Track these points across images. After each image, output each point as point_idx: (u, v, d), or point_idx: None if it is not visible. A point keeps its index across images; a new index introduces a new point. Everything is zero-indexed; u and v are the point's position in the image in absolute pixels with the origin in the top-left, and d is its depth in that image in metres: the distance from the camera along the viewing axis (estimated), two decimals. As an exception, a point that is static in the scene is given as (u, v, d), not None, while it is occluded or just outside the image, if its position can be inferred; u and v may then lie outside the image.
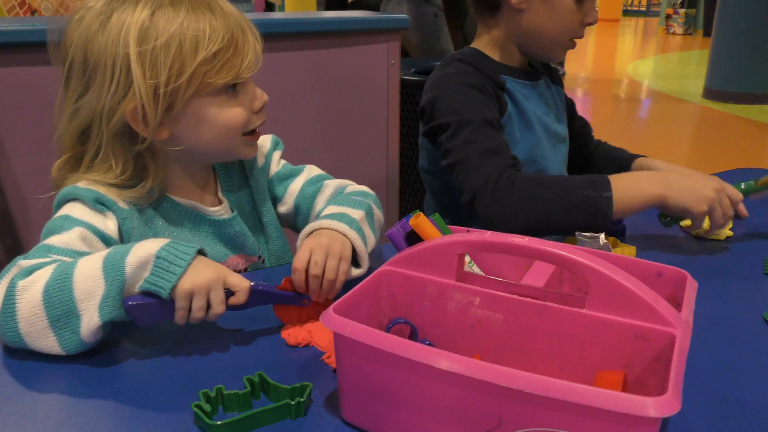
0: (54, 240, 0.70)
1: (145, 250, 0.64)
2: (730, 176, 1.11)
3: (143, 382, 0.62)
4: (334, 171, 1.01)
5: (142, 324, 0.65)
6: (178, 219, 0.82)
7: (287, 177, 0.94)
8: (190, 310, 0.65)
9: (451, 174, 1.01)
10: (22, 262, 0.66)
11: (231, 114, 0.77)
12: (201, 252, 0.67)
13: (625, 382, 0.53)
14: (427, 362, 0.47)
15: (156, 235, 0.79)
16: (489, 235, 0.58)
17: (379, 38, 1.86)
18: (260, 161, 0.93)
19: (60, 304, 0.62)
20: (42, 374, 0.63)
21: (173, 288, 0.63)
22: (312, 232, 0.78)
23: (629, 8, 18.31)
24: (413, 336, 0.61)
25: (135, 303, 0.63)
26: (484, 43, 1.15)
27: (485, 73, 1.09)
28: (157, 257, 0.63)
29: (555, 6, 1.06)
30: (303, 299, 0.71)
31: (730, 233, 1.01)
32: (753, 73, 5.55)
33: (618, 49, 10.94)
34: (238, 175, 0.90)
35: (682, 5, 12.74)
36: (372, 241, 0.82)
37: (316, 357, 0.65)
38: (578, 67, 8.12)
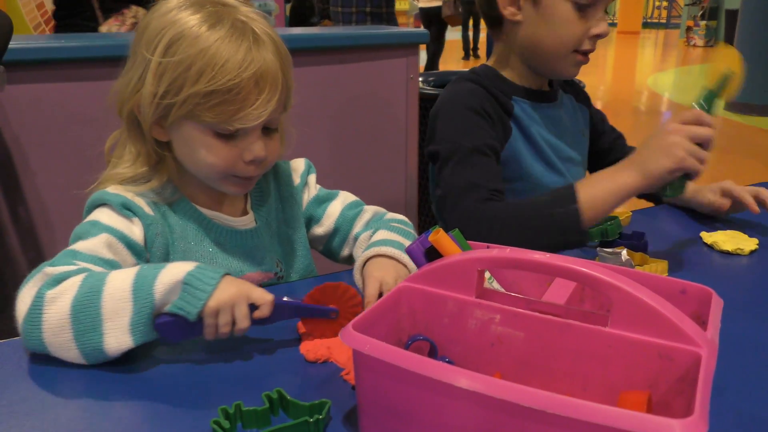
0: (80, 246, 0.72)
1: (172, 276, 0.65)
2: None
3: (161, 398, 0.62)
4: (354, 186, 1.01)
5: (172, 341, 0.67)
6: (198, 227, 0.83)
7: (325, 200, 0.95)
8: (217, 326, 0.66)
9: (440, 204, 1.01)
10: (49, 269, 0.67)
11: (213, 153, 0.77)
12: (227, 274, 0.68)
13: (650, 403, 0.52)
14: (447, 381, 0.47)
15: (176, 243, 0.81)
16: (509, 252, 0.57)
17: (398, 53, 1.87)
18: (296, 180, 0.94)
19: (88, 320, 0.63)
20: (58, 384, 0.64)
21: (200, 311, 0.64)
22: (373, 257, 0.78)
23: (649, 20, 18.22)
24: (433, 353, 0.60)
25: (164, 321, 0.65)
26: (494, 60, 1.13)
27: (494, 95, 1.07)
28: (184, 283, 0.65)
29: (551, 15, 1.01)
30: (331, 312, 0.71)
31: (755, 247, 0.99)
32: (776, 86, 5.48)
33: (638, 62, 10.88)
34: (271, 191, 0.92)
35: (702, 17, 12.65)
36: None
37: (335, 373, 0.65)
38: (598, 79, 8.08)
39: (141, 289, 0.64)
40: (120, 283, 0.65)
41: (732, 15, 9.48)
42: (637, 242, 0.96)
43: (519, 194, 1.08)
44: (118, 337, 0.64)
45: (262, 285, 0.88)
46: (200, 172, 0.80)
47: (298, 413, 0.56)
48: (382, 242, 0.80)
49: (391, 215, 0.92)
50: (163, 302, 0.65)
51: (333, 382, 0.63)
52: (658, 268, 0.89)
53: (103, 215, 0.76)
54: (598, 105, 1.30)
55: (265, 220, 0.90)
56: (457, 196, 0.97)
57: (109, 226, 0.75)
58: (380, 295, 0.73)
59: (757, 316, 0.79)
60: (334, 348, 0.68)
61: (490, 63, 1.14)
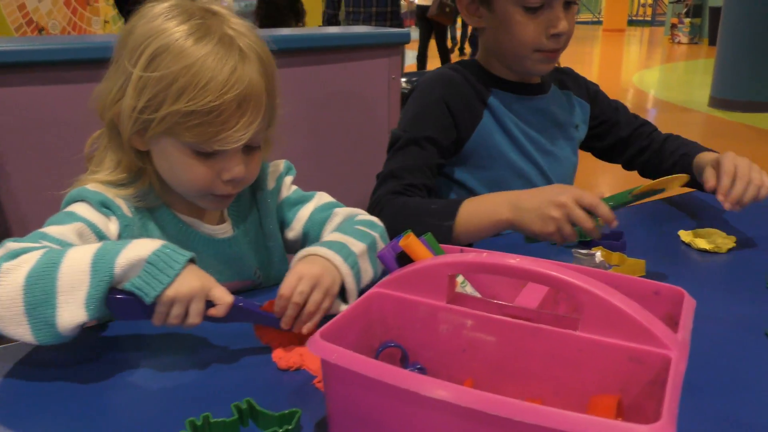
0: (50, 229, 0.71)
1: (136, 252, 0.64)
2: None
3: (127, 409, 0.60)
4: (335, 187, 1.00)
5: (119, 318, 0.65)
6: (176, 235, 0.82)
7: (297, 203, 0.93)
8: (167, 315, 0.65)
9: None
10: (11, 244, 0.66)
11: (191, 171, 0.75)
12: (193, 260, 0.67)
13: (621, 406, 0.51)
14: (415, 390, 0.46)
15: None
16: (479, 256, 0.57)
17: (379, 53, 1.87)
18: (271, 184, 0.91)
19: (40, 292, 0.62)
20: (23, 398, 0.62)
21: (158, 295, 0.63)
22: (307, 256, 0.75)
23: (634, 18, 18.34)
24: (404, 359, 0.59)
25: (117, 298, 0.64)
26: (479, 56, 1.17)
27: (471, 83, 1.09)
28: (148, 262, 0.63)
29: (505, 20, 1.04)
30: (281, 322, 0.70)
31: (733, 245, 0.99)
32: (758, 82, 5.53)
33: (624, 59, 10.93)
34: (247, 196, 0.90)
35: (687, 15, 12.74)
36: (369, 276, 0.79)
37: (307, 381, 0.64)
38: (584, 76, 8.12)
39: (101, 262, 0.63)
40: (80, 256, 0.63)
41: (715, 12, 9.56)
42: (615, 242, 0.96)
43: (500, 183, 1.10)
44: (72, 311, 0.62)
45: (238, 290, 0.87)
46: (178, 187, 0.79)
47: (267, 423, 0.56)
48: (323, 243, 0.78)
49: (362, 217, 0.89)
50: (122, 278, 0.63)
51: (305, 389, 0.63)
52: (635, 267, 0.89)
53: (81, 208, 0.75)
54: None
55: (243, 228, 0.88)
56: (378, 184, 1.03)
57: (84, 218, 0.74)
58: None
59: (732, 315, 0.79)
60: (307, 355, 0.67)
61: (477, 57, 1.17)
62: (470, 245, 0.95)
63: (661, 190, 0.87)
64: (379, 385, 0.47)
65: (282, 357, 0.67)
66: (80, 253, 0.64)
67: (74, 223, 0.72)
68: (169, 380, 0.65)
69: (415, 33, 4.68)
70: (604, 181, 3.71)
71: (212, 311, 0.66)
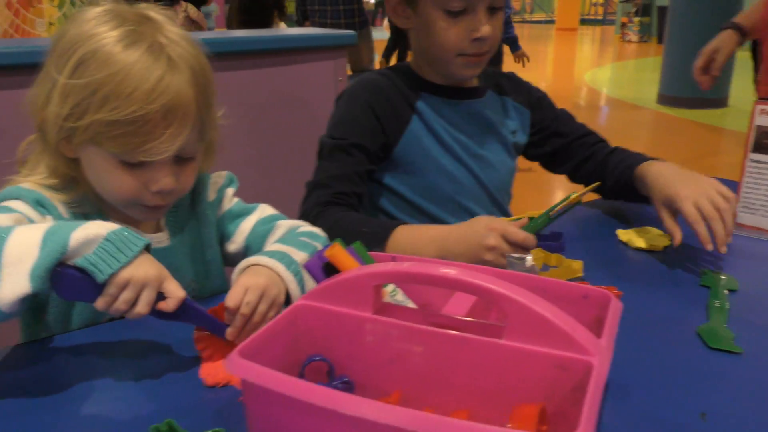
0: None
1: (95, 229, 0.62)
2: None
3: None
4: (280, 194, 0.99)
5: (61, 296, 0.63)
6: None
7: (239, 215, 0.91)
8: (116, 300, 0.62)
9: None
10: None
11: (117, 181, 0.74)
12: (148, 248, 0.65)
13: (544, 414, 0.51)
14: (337, 408, 0.45)
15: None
16: (404, 266, 0.56)
17: (326, 55, 1.85)
18: (211, 196, 0.89)
19: None
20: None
21: (111, 275, 0.61)
22: (249, 266, 0.74)
23: (586, 17, 18.72)
24: (331, 373, 0.58)
25: (65, 273, 0.61)
26: (411, 59, 1.16)
27: (399, 88, 1.09)
28: (106, 239, 0.61)
29: (428, 24, 1.04)
30: (225, 330, 0.68)
31: (669, 242, 1.00)
32: (704, 79, 5.69)
33: (576, 57, 11.15)
34: (186, 207, 0.87)
35: (636, 14, 13.07)
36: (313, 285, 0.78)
37: (234, 397, 0.62)
38: (537, 75, 8.25)
39: (55, 235, 0.60)
40: (30, 232, 0.61)
41: (663, 11, 9.82)
42: (554, 243, 0.96)
43: (432, 188, 1.10)
44: (15, 283, 0.58)
45: None
46: (106, 196, 0.77)
47: (187, 445, 0.54)
48: (264, 253, 0.77)
49: (305, 228, 0.88)
50: (75, 253, 0.61)
51: (232, 407, 0.60)
52: (573, 268, 0.89)
53: (16, 205, 0.72)
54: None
55: (180, 239, 0.86)
56: (307, 193, 1.02)
57: (21, 212, 0.71)
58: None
59: (665, 313, 0.80)
60: (234, 371, 0.65)
61: (409, 60, 1.16)
62: None
63: (578, 203, 0.88)
64: (300, 404, 0.46)
65: (209, 374, 0.65)
66: (31, 230, 0.62)
67: (11, 214, 0.70)
68: (81, 401, 0.62)
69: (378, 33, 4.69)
70: (559, 181, 3.77)
71: (162, 305, 0.64)
